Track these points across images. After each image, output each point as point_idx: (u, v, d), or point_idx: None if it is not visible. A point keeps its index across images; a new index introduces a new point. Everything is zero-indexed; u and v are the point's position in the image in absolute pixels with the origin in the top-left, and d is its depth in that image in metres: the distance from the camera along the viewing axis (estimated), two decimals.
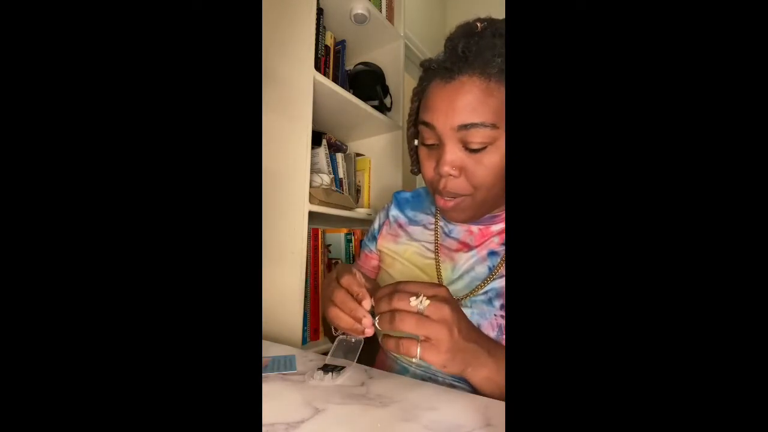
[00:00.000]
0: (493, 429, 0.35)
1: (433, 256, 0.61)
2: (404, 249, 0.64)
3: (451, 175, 0.50)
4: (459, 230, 0.61)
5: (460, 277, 0.57)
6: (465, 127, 0.48)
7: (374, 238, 0.71)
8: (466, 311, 0.53)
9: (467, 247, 0.59)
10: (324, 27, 1.10)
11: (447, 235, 0.62)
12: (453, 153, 0.50)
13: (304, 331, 0.95)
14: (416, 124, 0.57)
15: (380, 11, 1.24)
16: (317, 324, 0.98)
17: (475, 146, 0.48)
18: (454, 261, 0.59)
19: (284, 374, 0.51)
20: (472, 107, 0.48)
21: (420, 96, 0.56)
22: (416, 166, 0.61)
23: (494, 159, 0.48)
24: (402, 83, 1.33)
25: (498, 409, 0.39)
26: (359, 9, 1.14)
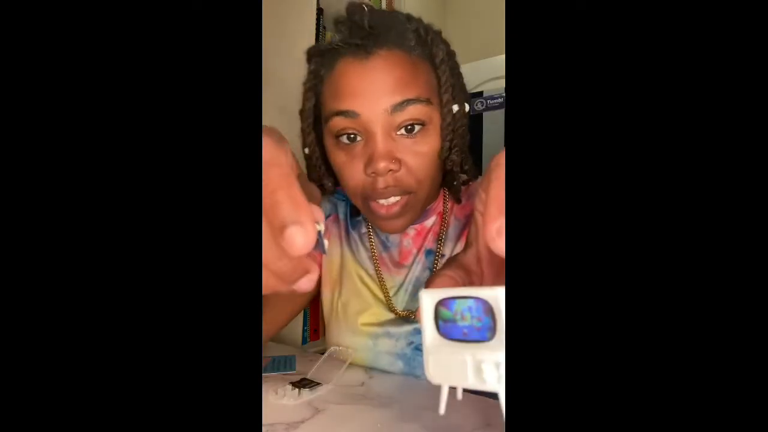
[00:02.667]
0: (493, 429, 0.35)
1: (373, 270, 0.55)
2: (348, 258, 0.57)
3: (390, 169, 0.41)
4: (396, 238, 0.54)
5: (406, 289, 0.53)
6: (400, 105, 0.40)
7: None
8: (418, 326, 0.50)
9: (408, 254, 0.53)
10: (324, 27, 1.10)
11: (385, 246, 0.55)
12: (387, 142, 0.41)
13: (304, 330, 0.95)
14: (316, 125, 0.47)
15: None
16: (317, 324, 0.98)
17: (410, 129, 0.42)
18: (400, 273, 0.53)
19: (284, 374, 0.51)
20: (405, 82, 0.41)
21: (317, 89, 0.46)
22: (329, 179, 0.49)
23: (431, 143, 0.43)
24: None
25: (498, 409, 0.39)
26: None
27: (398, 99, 0.40)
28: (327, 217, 0.59)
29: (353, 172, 0.44)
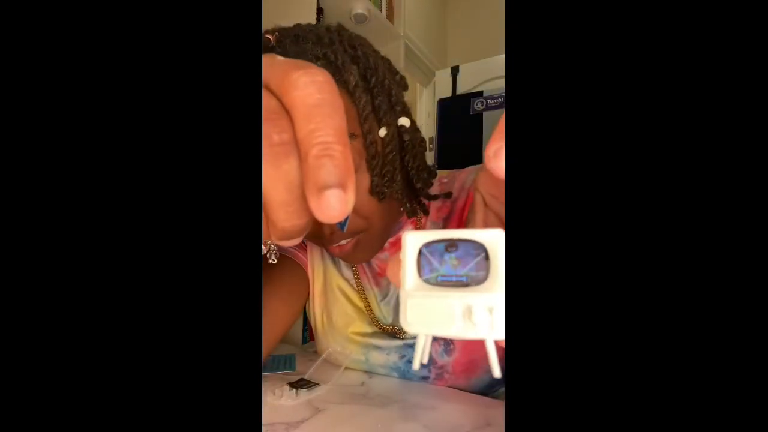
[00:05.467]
0: (493, 429, 0.36)
1: (355, 285, 0.55)
2: (330, 270, 0.57)
3: None
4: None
5: (388, 302, 0.53)
6: None
7: None
8: (409, 342, 0.50)
9: (385, 265, 0.52)
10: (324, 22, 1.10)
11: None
12: None
13: (304, 330, 0.95)
14: None
15: (380, 11, 1.24)
16: None
17: None
18: (380, 286, 0.53)
19: (284, 374, 0.51)
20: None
21: None
22: None
23: (364, 178, 0.40)
24: None
25: (498, 409, 0.39)
26: (359, 9, 1.14)
27: None
28: None
29: None
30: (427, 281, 0.17)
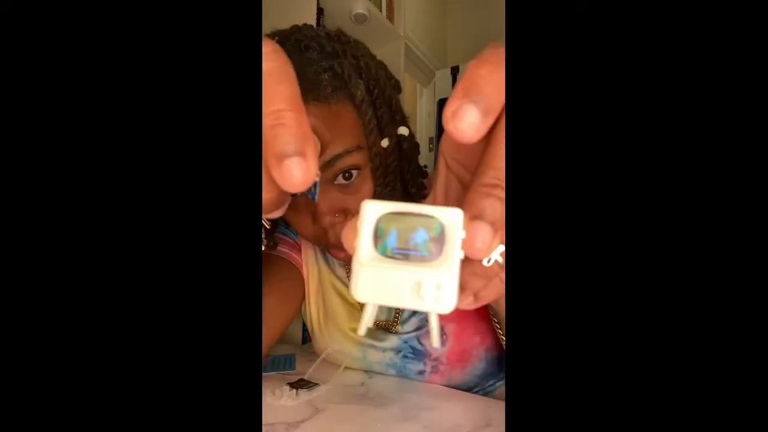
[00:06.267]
0: (493, 429, 0.36)
1: (348, 282, 0.55)
2: (323, 269, 0.57)
3: (336, 222, 0.42)
4: None
5: None
6: (328, 164, 0.40)
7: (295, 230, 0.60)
8: (403, 337, 0.50)
9: None
10: (324, 27, 1.10)
11: None
12: (327, 196, 0.41)
13: (303, 330, 0.95)
14: None
15: (380, 11, 1.24)
16: None
17: (345, 176, 0.41)
18: None
19: (284, 374, 0.51)
20: (327, 140, 0.40)
21: None
22: (284, 231, 0.50)
23: (369, 186, 0.42)
24: (402, 83, 1.33)
25: (498, 409, 0.39)
26: (359, 9, 1.14)
27: (324, 159, 0.39)
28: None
29: (303, 225, 0.44)
30: (382, 252, 0.17)
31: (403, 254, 0.17)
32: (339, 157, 0.40)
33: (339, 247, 0.44)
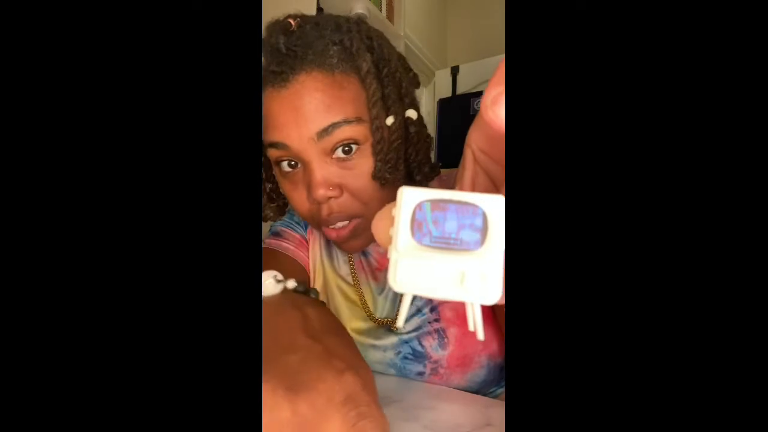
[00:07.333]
0: (493, 429, 0.35)
1: (351, 280, 0.54)
2: (327, 267, 0.56)
3: (331, 197, 0.41)
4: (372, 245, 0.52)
5: (386, 296, 0.52)
6: (325, 131, 0.39)
7: (304, 225, 0.58)
8: (403, 337, 0.50)
9: (384, 260, 0.52)
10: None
11: (363, 252, 0.54)
12: (322, 168, 0.40)
13: None
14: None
15: (380, 11, 1.24)
16: None
17: (347, 150, 0.40)
18: (377, 280, 0.52)
19: None
20: (326, 105, 0.39)
21: None
22: (279, 207, 0.50)
23: (370, 163, 0.41)
24: None
25: (498, 409, 0.39)
26: (359, 8, 1.14)
27: (322, 125, 0.38)
28: (307, 227, 0.58)
29: (299, 200, 0.43)
30: (420, 242, 0.16)
31: (444, 243, 0.16)
32: (337, 125, 0.39)
33: (330, 222, 0.43)
